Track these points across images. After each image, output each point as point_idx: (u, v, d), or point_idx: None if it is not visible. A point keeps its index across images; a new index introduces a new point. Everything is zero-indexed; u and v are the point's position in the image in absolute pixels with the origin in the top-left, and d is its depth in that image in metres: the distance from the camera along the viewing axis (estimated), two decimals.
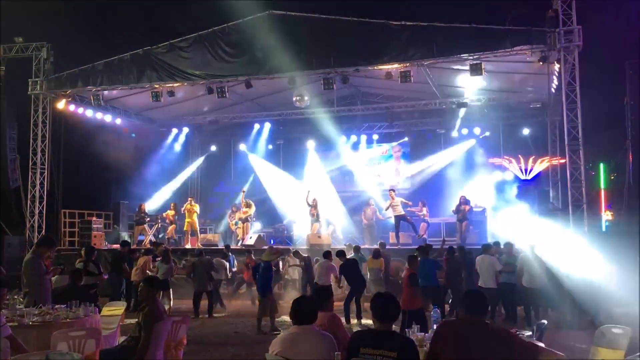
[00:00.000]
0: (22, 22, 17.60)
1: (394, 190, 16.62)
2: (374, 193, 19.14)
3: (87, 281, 9.81)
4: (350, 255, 12.34)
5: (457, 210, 15.61)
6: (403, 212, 15.96)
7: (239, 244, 16.65)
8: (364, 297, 11.56)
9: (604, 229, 18.03)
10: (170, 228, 17.74)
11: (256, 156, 21.80)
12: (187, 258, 13.73)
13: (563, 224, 13.05)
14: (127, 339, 5.84)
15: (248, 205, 17.35)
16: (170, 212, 17.69)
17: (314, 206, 16.62)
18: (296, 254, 12.91)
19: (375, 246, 13.48)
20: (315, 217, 16.60)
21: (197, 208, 17.23)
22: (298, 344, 4.10)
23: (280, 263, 13.07)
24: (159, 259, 12.38)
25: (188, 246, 16.49)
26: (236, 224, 17.61)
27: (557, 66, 13.25)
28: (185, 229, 17.23)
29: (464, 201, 15.67)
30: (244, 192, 17.89)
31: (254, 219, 17.84)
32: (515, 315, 10.89)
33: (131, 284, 12.18)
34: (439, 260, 11.55)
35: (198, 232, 17.16)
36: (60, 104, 16.78)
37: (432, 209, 17.11)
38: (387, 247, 14.09)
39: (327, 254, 11.59)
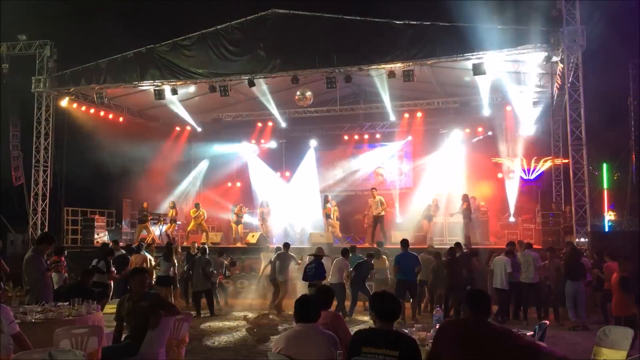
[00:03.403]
0: (26, 20, 17.65)
1: (375, 189, 16.68)
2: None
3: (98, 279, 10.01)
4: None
5: (461, 209, 15.64)
6: (382, 213, 15.93)
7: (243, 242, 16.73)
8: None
9: (606, 229, 17.99)
10: (170, 226, 17.74)
11: (256, 157, 21.82)
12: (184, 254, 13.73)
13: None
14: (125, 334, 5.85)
15: (267, 205, 17.75)
16: (171, 211, 17.73)
17: (328, 206, 16.85)
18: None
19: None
20: (327, 216, 16.73)
21: (202, 213, 17.25)
22: (301, 341, 4.12)
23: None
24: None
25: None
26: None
27: (560, 66, 13.23)
28: (189, 229, 17.26)
29: (464, 199, 15.69)
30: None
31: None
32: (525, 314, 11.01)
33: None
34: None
35: (207, 232, 17.16)
36: (64, 102, 16.82)
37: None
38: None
39: (345, 252, 11.79)
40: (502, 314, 10.90)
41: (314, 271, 11.02)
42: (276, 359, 4.13)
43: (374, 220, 15.93)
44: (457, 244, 12.14)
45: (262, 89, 16.35)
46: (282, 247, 12.87)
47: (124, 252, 12.53)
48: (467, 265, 11.33)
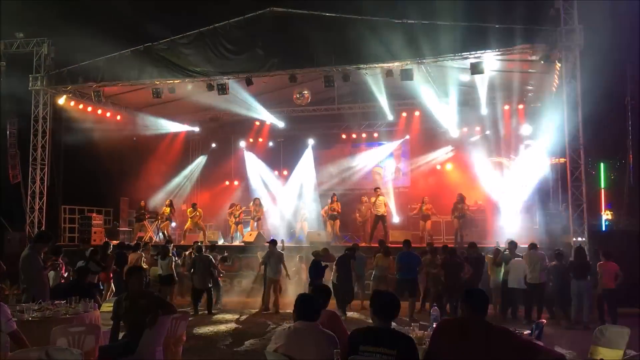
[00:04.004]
0: (23, 18, 17.57)
1: (379, 188, 16.71)
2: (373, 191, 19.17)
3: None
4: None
5: (454, 209, 15.68)
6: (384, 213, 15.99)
7: (239, 241, 16.73)
8: (365, 295, 11.69)
9: (603, 228, 18.04)
10: (164, 224, 17.68)
11: (254, 156, 21.82)
12: (186, 254, 13.73)
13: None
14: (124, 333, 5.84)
15: (260, 205, 17.68)
16: (167, 210, 17.68)
17: (334, 204, 16.87)
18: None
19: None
20: (330, 216, 16.75)
21: (199, 213, 17.22)
22: (301, 339, 4.11)
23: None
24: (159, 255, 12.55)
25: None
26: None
27: (558, 65, 13.24)
28: (186, 228, 17.25)
29: (460, 199, 15.72)
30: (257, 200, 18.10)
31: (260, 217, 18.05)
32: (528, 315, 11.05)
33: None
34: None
35: (204, 230, 17.14)
36: (61, 100, 16.77)
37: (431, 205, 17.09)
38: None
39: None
40: (518, 312, 10.91)
41: (311, 272, 11.14)
42: (274, 358, 4.12)
43: (375, 219, 15.95)
44: (472, 244, 12.12)
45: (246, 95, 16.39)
46: (270, 244, 12.78)
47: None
48: (476, 266, 11.36)
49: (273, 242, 12.74)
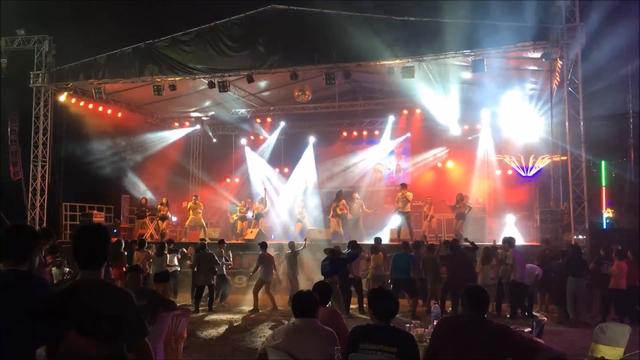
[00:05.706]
0: (25, 15, 17.57)
1: (405, 184, 16.54)
2: (374, 189, 19.19)
3: None
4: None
5: (454, 208, 15.65)
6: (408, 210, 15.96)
7: (240, 238, 16.74)
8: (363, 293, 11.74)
9: (604, 226, 18.03)
10: (164, 223, 17.62)
11: (255, 153, 21.82)
12: (189, 250, 13.73)
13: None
14: None
15: (263, 203, 17.73)
16: (164, 209, 17.63)
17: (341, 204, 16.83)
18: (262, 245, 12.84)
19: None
20: (334, 214, 16.74)
21: (201, 206, 17.23)
22: (301, 336, 4.11)
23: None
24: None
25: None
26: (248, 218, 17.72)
27: (559, 63, 13.22)
28: (187, 224, 17.22)
29: (460, 199, 15.69)
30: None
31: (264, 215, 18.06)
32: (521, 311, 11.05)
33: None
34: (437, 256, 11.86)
35: (205, 227, 17.15)
36: (62, 97, 16.78)
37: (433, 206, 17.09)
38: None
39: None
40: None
41: (329, 268, 11.04)
42: (274, 356, 4.12)
43: (403, 216, 15.78)
44: (454, 240, 12.12)
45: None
46: (288, 247, 12.98)
47: None
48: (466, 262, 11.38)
49: (290, 245, 12.92)
